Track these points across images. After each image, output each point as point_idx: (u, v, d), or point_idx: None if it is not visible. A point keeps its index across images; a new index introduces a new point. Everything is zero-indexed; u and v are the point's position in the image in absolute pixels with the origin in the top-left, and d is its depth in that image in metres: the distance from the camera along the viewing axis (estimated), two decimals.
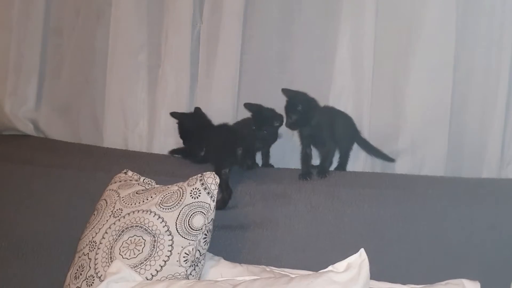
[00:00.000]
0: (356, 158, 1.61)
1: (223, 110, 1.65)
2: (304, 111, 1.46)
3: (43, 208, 1.52)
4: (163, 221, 1.21)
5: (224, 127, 1.56)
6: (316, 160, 1.53)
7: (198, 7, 1.70)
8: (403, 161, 1.58)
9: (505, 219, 1.30)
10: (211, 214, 1.23)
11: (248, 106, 1.55)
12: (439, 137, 1.56)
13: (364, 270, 0.96)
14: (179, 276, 1.17)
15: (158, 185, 1.34)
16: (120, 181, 1.36)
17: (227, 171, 1.41)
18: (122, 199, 1.29)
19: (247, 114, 1.58)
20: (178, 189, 1.25)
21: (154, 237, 1.20)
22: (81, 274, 1.21)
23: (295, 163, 1.56)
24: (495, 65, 1.53)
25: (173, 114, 1.63)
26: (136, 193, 1.29)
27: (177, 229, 1.20)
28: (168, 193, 1.25)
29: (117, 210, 1.27)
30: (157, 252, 1.19)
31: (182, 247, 1.19)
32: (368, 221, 1.33)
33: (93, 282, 1.18)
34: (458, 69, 1.54)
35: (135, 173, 1.39)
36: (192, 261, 1.20)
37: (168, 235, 1.20)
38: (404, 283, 1.19)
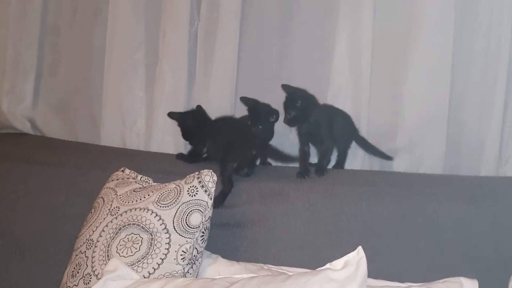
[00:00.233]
0: (354, 156, 1.61)
1: (221, 108, 1.65)
2: (303, 108, 1.46)
3: (40, 206, 1.51)
4: (160, 219, 1.21)
5: (233, 120, 1.56)
6: (314, 158, 1.53)
7: (196, 5, 1.70)
8: (401, 159, 1.58)
9: (503, 217, 1.30)
10: (209, 212, 1.23)
11: (244, 100, 1.55)
12: (437, 135, 1.56)
13: (361, 267, 0.96)
14: (176, 274, 1.17)
15: (155, 183, 1.34)
16: (117, 179, 1.36)
17: (234, 165, 1.41)
18: (119, 197, 1.28)
19: (244, 112, 1.58)
20: (175, 187, 1.25)
21: (151, 235, 1.20)
22: (78, 272, 1.21)
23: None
24: (493, 64, 1.52)
25: (171, 115, 1.62)
26: (134, 191, 1.29)
27: (174, 227, 1.20)
28: (166, 191, 1.25)
29: (114, 208, 1.26)
30: (154, 250, 1.18)
31: (179, 245, 1.19)
32: (366, 219, 1.32)
33: (90, 280, 1.18)
34: (456, 67, 1.54)
35: (133, 171, 1.39)
36: (190, 259, 1.19)
37: (166, 233, 1.20)
38: (402, 281, 1.19)
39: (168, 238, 1.19)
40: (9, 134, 1.93)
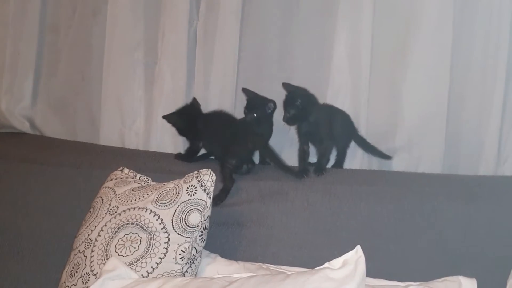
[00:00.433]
0: (353, 156, 1.61)
1: (221, 108, 1.65)
2: (303, 107, 1.45)
3: (39, 206, 1.51)
4: (159, 218, 1.21)
5: (227, 115, 1.57)
6: (313, 158, 1.53)
7: (195, 4, 1.70)
8: (400, 158, 1.58)
9: (502, 216, 1.30)
10: (208, 211, 1.23)
11: (245, 91, 1.56)
12: (436, 135, 1.56)
13: (360, 266, 0.96)
14: (175, 274, 1.17)
15: (154, 183, 1.34)
16: (116, 179, 1.36)
17: (233, 162, 1.42)
18: (118, 196, 1.28)
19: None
20: (174, 186, 1.25)
21: (150, 234, 1.20)
22: (76, 272, 1.21)
23: (293, 160, 1.57)
24: (492, 63, 1.52)
25: (166, 118, 1.62)
26: (132, 190, 1.29)
27: (173, 226, 1.20)
28: (164, 190, 1.25)
29: (113, 207, 1.26)
30: (153, 250, 1.18)
31: (178, 244, 1.19)
32: (365, 218, 1.32)
33: (88, 280, 1.18)
34: (455, 67, 1.54)
35: (132, 171, 1.39)
36: (188, 259, 1.19)
37: (164, 233, 1.20)
38: (400, 281, 1.19)
39: (167, 237, 1.19)
40: (8, 134, 1.92)
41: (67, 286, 1.21)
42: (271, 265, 1.26)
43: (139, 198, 1.25)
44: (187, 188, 1.23)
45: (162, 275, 1.16)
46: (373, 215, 1.33)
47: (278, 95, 1.52)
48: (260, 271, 1.19)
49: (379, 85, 1.60)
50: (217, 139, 1.53)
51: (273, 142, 1.60)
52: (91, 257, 1.21)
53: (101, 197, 1.31)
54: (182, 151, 1.69)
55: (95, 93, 1.83)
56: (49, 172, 1.57)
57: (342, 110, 1.57)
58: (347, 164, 1.58)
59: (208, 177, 1.24)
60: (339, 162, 1.56)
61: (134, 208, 1.24)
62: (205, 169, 1.25)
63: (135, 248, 1.19)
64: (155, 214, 1.21)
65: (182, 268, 1.18)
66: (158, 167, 1.52)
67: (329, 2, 1.61)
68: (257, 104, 1.54)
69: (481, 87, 1.55)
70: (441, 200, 1.33)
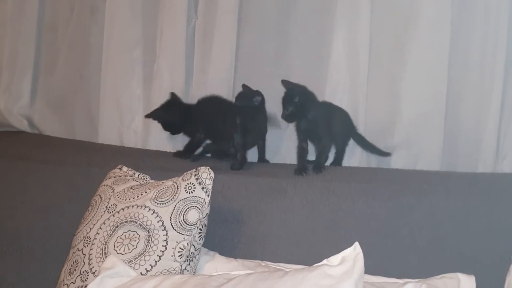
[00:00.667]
0: (352, 153, 1.61)
1: None
2: (301, 104, 1.45)
3: (37, 204, 1.51)
4: (157, 216, 1.21)
5: (224, 99, 1.60)
6: (312, 156, 1.53)
7: (193, 2, 1.70)
8: (398, 156, 1.58)
9: (500, 213, 1.30)
10: (206, 209, 1.23)
11: (244, 86, 1.56)
12: (434, 132, 1.56)
13: (358, 263, 0.96)
14: (173, 271, 1.17)
15: (152, 180, 1.33)
16: (114, 177, 1.36)
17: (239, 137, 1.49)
18: (116, 194, 1.28)
19: None
20: (172, 184, 1.25)
21: (148, 232, 1.20)
22: (75, 270, 1.21)
23: (291, 158, 1.57)
24: (490, 61, 1.52)
25: (151, 115, 1.64)
26: (131, 188, 1.29)
27: (171, 224, 1.20)
28: (163, 188, 1.25)
29: (111, 205, 1.26)
30: (152, 247, 1.18)
31: (176, 242, 1.19)
32: (364, 215, 1.32)
33: (87, 278, 1.18)
34: (453, 64, 1.54)
35: (130, 169, 1.39)
36: (187, 256, 1.19)
37: (163, 230, 1.20)
38: (399, 277, 1.19)
39: (166, 235, 1.19)
40: (7, 132, 1.93)
41: (66, 284, 1.21)
42: (270, 263, 1.26)
43: (138, 196, 1.25)
44: (186, 185, 1.23)
45: (161, 273, 1.16)
46: (371, 213, 1.33)
47: (276, 93, 1.52)
48: (259, 268, 1.19)
49: (377, 83, 1.60)
50: (216, 122, 1.55)
51: (271, 140, 1.61)
52: (90, 255, 1.21)
53: (99, 195, 1.31)
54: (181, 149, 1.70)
55: (94, 92, 1.83)
56: (47, 171, 1.57)
57: (341, 108, 1.57)
58: (346, 162, 1.58)
59: (207, 175, 1.24)
60: (338, 160, 1.56)
61: (133, 206, 1.24)
62: (204, 167, 1.25)
63: (133, 246, 1.19)
64: (154, 212, 1.21)
65: (181, 265, 1.18)
66: (156, 165, 1.52)
67: (327, 0, 1.61)
68: (244, 94, 1.54)
69: (479, 84, 1.55)
70: (439, 197, 1.33)
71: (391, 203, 1.33)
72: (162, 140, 1.76)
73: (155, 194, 1.24)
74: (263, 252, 1.31)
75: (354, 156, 1.61)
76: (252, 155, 1.63)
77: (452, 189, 1.36)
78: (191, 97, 1.72)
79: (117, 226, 1.22)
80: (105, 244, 1.20)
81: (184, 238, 1.19)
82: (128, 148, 1.76)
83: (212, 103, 1.61)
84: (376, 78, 1.59)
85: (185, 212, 1.21)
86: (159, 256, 1.18)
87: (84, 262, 1.20)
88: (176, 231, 1.20)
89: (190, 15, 1.70)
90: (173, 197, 1.22)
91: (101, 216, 1.26)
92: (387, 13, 1.58)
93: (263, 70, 1.68)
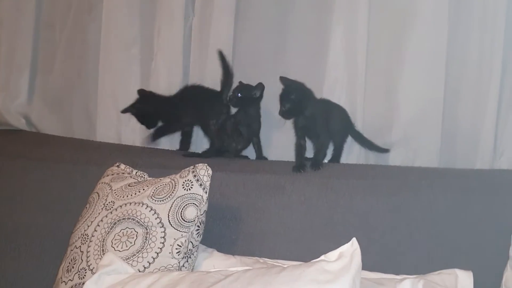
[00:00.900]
0: (350, 150, 1.61)
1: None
2: (298, 100, 1.46)
3: (35, 202, 1.51)
4: (155, 213, 1.21)
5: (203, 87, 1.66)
6: (310, 153, 1.53)
7: (190, 0, 1.70)
8: (396, 153, 1.58)
9: (498, 209, 1.30)
10: (204, 206, 1.23)
11: (240, 83, 1.58)
12: (432, 129, 1.56)
13: (356, 259, 0.96)
14: (171, 268, 1.17)
15: (150, 178, 1.33)
16: (112, 174, 1.35)
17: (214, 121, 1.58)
18: (114, 191, 1.28)
19: None
20: (170, 181, 1.24)
21: (146, 229, 1.20)
22: (73, 267, 1.21)
23: (289, 155, 1.57)
24: (487, 58, 1.53)
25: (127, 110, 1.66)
26: (129, 185, 1.29)
27: (169, 221, 1.20)
28: (161, 185, 1.24)
29: (109, 202, 1.26)
30: (150, 244, 1.18)
31: (174, 239, 1.19)
32: (362, 212, 1.32)
33: (85, 275, 1.18)
34: (451, 61, 1.54)
35: (128, 166, 1.39)
36: (185, 253, 1.19)
37: (161, 227, 1.20)
38: (397, 274, 1.19)
39: (163, 232, 1.19)
40: (4, 131, 1.92)
41: (64, 281, 1.21)
42: (268, 259, 1.26)
43: (135, 193, 1.25)
44: (183, 182, 1.23)
45: (159, 270, 1.16)
46: (369, 209, 1.33)
47: (273, 90, 1.52)
48: (257, 265, 1.19)
49: (375, 80, 1.60)
50: (197, 107, 1.59)
51: (270, 138, 1.62)
52: (88, 252, 1.21)
53: (97, 193, 1.31)
54: (178, 147, 1.70)
55: (92, 90, 1.83)
56: (45, 169, 1.57)
57: (339, 105, 1.57)
58: (344, 159, 1.59)
59: (204, 172, 1.23)
60: (336, 157, 1.57)
61: (130, 203, 1.23)
62: (201, 164, 1.25)
63: (131, 243, 1.19)
64: (151, 209, 1.21)
65: (179, 262, 1.18)
66: (154, 163, 1.52)
67: None
68: (245, 87, 1.56)
69: (477, 81, 1.55)
70: (437, 193, 1.33)
71: (389, 200, 1.33)
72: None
73: (153, 191, 1.24)
74: (261, 249, 1.31)
75: (352, 153, 1.61)
76: (251, 154, 1.64)
77: (450, 185, 1.36)
78: None
79: (114, 224, 1.22)
80: (103, 242, 1.20)
81: (182, 235, 1.19)
82: (126, 146, 1.76)
83: (197, 90, 1.64)
84: (374, 75, 1.60)
85: (183, 209, 1.21)
86: (157, 253, 1.17)
87: (82, 260, 1.20)
88: (174, 228, 1.19)
89: (187, 13, 1.70)
90: (170, 194, 1.22)
91: (99, 213, 1.25)
92: (385, 11, 1.58)
93: (260, 68, 1.68)
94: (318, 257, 1.01)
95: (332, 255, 0.98)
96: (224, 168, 1.45)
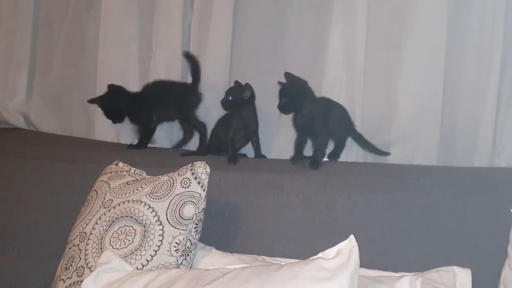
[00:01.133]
0: (349, 149, 1.61)
1: (216, 102, 1.64)
2: (295, 96, 1.46)
3: (34, 200, 1.51)
4: (153, 211, 1.21)
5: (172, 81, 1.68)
6: (309, 152, 1.53)
7: None
8: (395, 151, 1.58)
9: (496, 207, 1.29)
10: (202, 204, 1.23)
11: (236, 82, 1.58)
12: (431, 127, 1.56)
13: (353, 256, 0.96)
14: (170, 266, 1.17)
15: (148, 176, 1.33)
16: (110, 172, 1.35)
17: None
18: (112, 189, 1.28)
19: None
20: (168, 179, 1.24)
21: (144, 227, 1.20)
22: (71, 265, 1.21)
23: (288, 154, 1.57)
24: (486, 56, 1.52)
25: (94, 101, 1.67)
26: (127, 183, 1.28)
27: (167, 219, 1.20)
28: (159, 183, 1.24)
29: (107, 200, 1.26)
30: (148, 242, 1.18)
31: (172, 236, 1.19)
32: (360, 210, 1.32)
33: (83, 273, 1.18)
34: (450, 59, 1.54)
35: (126, 164, 1.39)
36: (183, 251, 1.19)
37: (159, 225, 1.19)
38: (395, 271, 1.19)
39: (162, 230, 1.19)
40: (3, 129, 1.92)
41: (62, 279, 1.21)
42: (267, 257, 1.26)
43: (134, 191, 1.25)
44: (181, 180, 1.23)
45: (157, 268, 1.16)
46: (368, 207, 1.33)
47: (272, 89, 1.52)
48: (255, 262, 1.19)
49: (374, 78, 1.60)
50: (171, 101, 1.62)
51: (270, 136, 1.61)
52: (86, 250, 1.20)
53: (95, 191, 1.31)
54: (176, 145, 1.70)
55: (90, 88, 1.82)
56: (44, 167, 1.57)
57: (340, 104, 1.56)
58: (343, 157, 1.58)
59: (202, 170, 1.23)
60: (335, 153, 1.56)
61: (129, 201, 1.23)
62: (199, 162, 1.25)
63: (129, 240, 1.19)
64: (150, 207, 1.21)
65: (177, 260, 1.18)
66: (152, 161, 1.52)
67: None
68: (235, 89, 1.56)
69: (475, 79, 1.55)
70: (436, 191, 1.33)
71: (388, 198, 1.33)
72: (158, 137, 1.75)
73: (151, 189, 1.24)
74: (259, 246, 1.31)
75: (351, 152, 1.61)
76: (249, 152, 1.64)
77: (449, 183, 1.36)
78: None
79: (113, 221, 1.22)
80: (101, 239, 1.20)
81: (180, 232, 1.19)
82: (124, 145, 1.75)
83: (167, 85, 1.66)
84: (372, 73, 1.59)
85: (181, 206, 1.20)
86: (155, 251, 1.17)
87: (80, 258, 1.20)
88: (172, 225, 1.19)
89: (186, 11, 1.70)
90: (169, 192, 1.22)
91: (97, 211, 1.25)
92: (383, 9, 1.58)
93: (259, 66, 1.68)
94: (316, 254, 1.01)
95: (330, 252, 0.98)
96: (222, 166, 1.46)
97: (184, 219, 1.20)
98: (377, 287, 1.08)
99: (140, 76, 1.78)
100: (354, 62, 1.59)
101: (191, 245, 1.22)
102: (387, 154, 1.56)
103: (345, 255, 0.95)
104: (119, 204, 1.24)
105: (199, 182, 1.22)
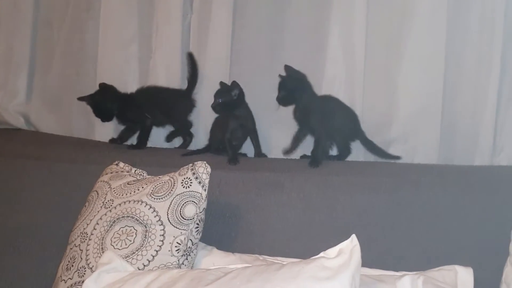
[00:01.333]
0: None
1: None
2: (293, 89, 1.48)
3: (34, 201, 1.51)
4: (154, 211, 1.21)
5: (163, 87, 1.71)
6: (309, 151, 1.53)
7: None
8: (395, 150, 1.58)
9: (497, 205, 1.30)
10: (203, 204, 1.23)
11: (221, 83, 1.58)
12: (431, 125, 1.56)
13: (355, 255, 0.96)
14: (171, 266, 1.17)
15: (149, 176, 1.33)
16: (111, 173, 1.35)
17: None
18: (113, 190, 1.28)
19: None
20: (169, 179, 1.24)
21: (145, 227, 1.19)
22: (72, 266, 1.21)
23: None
24: (486, 54, 1.52)
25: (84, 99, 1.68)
26: (128, 183, 1.28)
27: (168, 219, 1.20)
28: (160, 183, 1.24)
29: (108, 201, 1.26)
30: (149, 242, 1.18)
31: (174, 236, 1.19)
32: (361, 209, 1.32)
33: (84, 273, 1.18)
34: (450, 57, 1.54)
35: (127, 165, 1.39)
36: (184, 251, 1.19)
37: (160, 225, 1.19)
38: (396, 270, 1.19)
39: (163, 230, 1.19)
40: (3, 130, 1.92)
41: (63, 280, 1.21)
42: (268, 257, 1.26)
43: (134, 191, 1.25)
44: (182, 180, 1.22)
45: (158, 268, 1.16)
46: (369, 206, 1.33)
47: (272, 88, 1.52)
48: (256, 262, 1.19)
49: (374, 76, 1.60)
50: (165, 106, 1.66)
51: (271, 135, 1.61)
52: (87, 250, 1.20)
53: (96, 191, 1.31)
54: (177, 145, 1.70)
55: (90, 88, 1.81)
56: (44, 168, 1.57)
57: (348, 107, 1.56)
58: None
59: (203, 169, 1.23)
60: (340, 157, 1.56)
61: (130, 201, 1.23)
62: (200, 162, 1.24)
63: (130, 241, 1.18)
64: (151, 207, 1.21)
65: (178, 260, 1.18)
66: (153, 161, 1.52)
67: None
68: (223, 91, 1.55)
69: (476, 77, 1.55)
70: (437, 190, 1.33)
71: (389, 197, 1.33)
72: (158, 137, 1.75)
73: (152, 189, 1.24)
74: (260, 246, 1.30)
75: (352, 150, 1.61)
76: (249, 151, 1.63)
77: (450, 182, 1.36)
78: None
79: (114, 222, 1.22)
80: (102, 240, 1.20)
81: (181, 232, 1.19)
82: (124, 145, 1.75)
83: (161, 90, 1.69)
84: (372, 72, 1.59)
85: (182, 206, 1.20)
86: (156, 251, 1.17)
87: (81, 258, 1.20)
88: (173, 225, 1.19)
89: (185, 10, 1.70)
90: (170, 192, 1.22)
91: (98, 211, 1.25)
92: (383, 7, 1.58)
93: (259, 65, 1.67)
94: (318, 254, 1.01)
95: (332, 251, 0.98)
96: (223, 166, 1.45)
97: (185, 219, 1.20)
98: (378, 286, 1.07)
99: (140, 76, 1.78)
100: (353, 60, 1.59)
101: (192, 245, 1.21)
102: (397, 158, 1.55)
103: (347, 254, 0.95)
104: (120, 204, 1.24)
105: (200, 182, 1.22)
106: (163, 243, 1.18)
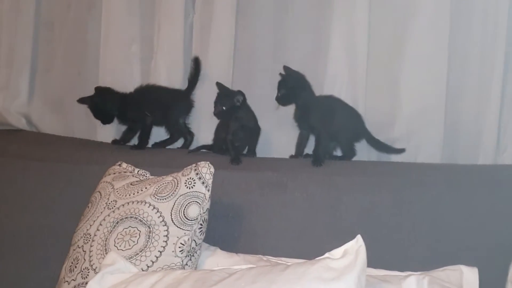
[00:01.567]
0: None
1: None
2: (292, 88, 1.48)
3: (37, 202, 1.51)
4: (158, 211, 1.20)
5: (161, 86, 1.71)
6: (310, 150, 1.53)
7: None
8: None
9: (501, 205, 1.29)
10: (207, 204, 1.22)
11: (219, 85, 1.56)
12: (434, 124, 1.55)
13: (361, 256, 0.95)
14: (175, 267, 1.16)
15: (152, 176, 1.33)
16: (114, 173, 1.35)
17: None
18: (116, 190, 1.27)
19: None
20: (172, 180, 1.24)
21: (149, 228, 1.19)
22: (76, 267, 1.20)
23: (291, 153, 1.56)
24: (490, 53, 1.52)
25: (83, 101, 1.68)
26: (131, 184, 1.28)
27: (172, 220, 1.19)
28: (163, 184, 1.24)
29: (111, 201, 1.25)
30: (153, 243, 1.18)
31: (177, 237, 1.18)
32: (365, 209, 1.32)
33: (88, 275, 1.17)
34: (453, 56, 1.53)
35: (130, 165, 1.38)
36: (188, 251, 1.19)
37: (163, 226, 1.19)
38: (401, 270, 1.18)
39: (166, 230, 1.19)
40: (5, 131, 1.92)
41: (67, 281, 1.20)
42: (272, 257, 1.25)
43: (138, 192, 1.25)
44: (186, 181, 1.22)
45: (162, 268, 1.15)
46: (372, 206, 1.32)
47: (273, 87, 1.51)
48: (260, 262, 1.19)
49: (376, 76, 1.59)
50: (164, 106, 1.66)
51: (272, 135, 1.60)
52: (90, 251, 1.20)
53: (99, 192, 1.30)
54: (180, 145, 1.70)
55: (92, 89, 1.80)
56: (46, 169, 1.57)
57: (352, 108, 1.55)
58: None
59: (207, 170, 1.23)
60: (344, 159, 1.55)
61: (133, 202, 1.23)
62: (203, 162, 1.24)
63: (134, 242, 1.18)
64: (154, 208, 1.21)
65: (182, 261, 1.18)
66: (156, 161, 1.52)
67: None
68: (226, 97, 1.53)
69: (479, 76, 1.54)
70: (440, 189, 1.33)
71: (392, 196, 1.33)
72: (160, 137, 1.74)
73: (155, 189, 1.23)
74: (264, 246, 1.30)
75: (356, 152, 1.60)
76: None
77: (453, 181, 1.36)
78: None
79: (117, 222, 1.21)
80: (106, 241, 1.20)
81: (185, 233, 1.19)
82: (127, 145, 1.75)
83: (159, 89, 1.69)
84: (375, 71, 1.59)
85: (185, 207, 1.20)
86: (160, 252, 1.17)
87: (85, 259, 1.20)
88: (177, 226, 1.19)
89: (187, 10, 1.69)
90: (173, 193, 1.21)
91: (101, 212, 1.25)
92: (385, 6, 1.58)
93: (261, 65, 1.67)
94: (322, 254, 1.01)
95: (337, 252, 0.97)
96: (226, 166, 1.45)
97: (188, 220, 1.20)
98: (384, 286, 1.07)
99: (141, 76, 1.78)
100: (356, 60, 1.58)
101: (196, 245, 1.21)
102: (402, 151, 1.54)
103: (352, 255, 0.95)
104: (123, 205, 1.23)
105: (203, 182, 1.22)
106: (166, 244, 1.18)
